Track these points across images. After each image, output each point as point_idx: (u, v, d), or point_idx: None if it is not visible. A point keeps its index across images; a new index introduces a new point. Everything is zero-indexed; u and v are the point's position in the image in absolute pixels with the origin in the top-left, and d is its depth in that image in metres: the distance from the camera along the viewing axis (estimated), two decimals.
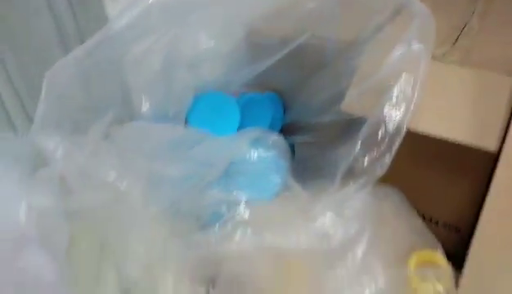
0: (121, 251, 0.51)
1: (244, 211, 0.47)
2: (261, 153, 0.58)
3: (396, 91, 0.45)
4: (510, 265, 0.45)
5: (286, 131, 0.70)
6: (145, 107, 0.58)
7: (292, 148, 0.68)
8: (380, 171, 0.43)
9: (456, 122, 0.50)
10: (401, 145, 0.46)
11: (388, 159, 0.43)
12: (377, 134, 0.45)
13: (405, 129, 0.44)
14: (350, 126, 0.54)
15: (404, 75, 0.45)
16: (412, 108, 0.45)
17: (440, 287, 0.46)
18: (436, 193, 0.58)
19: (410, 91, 0.45)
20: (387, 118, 0.44)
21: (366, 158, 0.44)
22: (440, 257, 0.48)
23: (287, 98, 0.69)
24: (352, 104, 0.53)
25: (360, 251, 0.42)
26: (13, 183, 0.36)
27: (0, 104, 0.75)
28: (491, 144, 0.49)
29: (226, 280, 0.46)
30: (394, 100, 0.45)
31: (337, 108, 0.56)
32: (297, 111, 0.68)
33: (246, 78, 0.65)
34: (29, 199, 0.36)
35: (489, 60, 0.53)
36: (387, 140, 0.44)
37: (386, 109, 0.45)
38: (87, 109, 0.49)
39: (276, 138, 0.60)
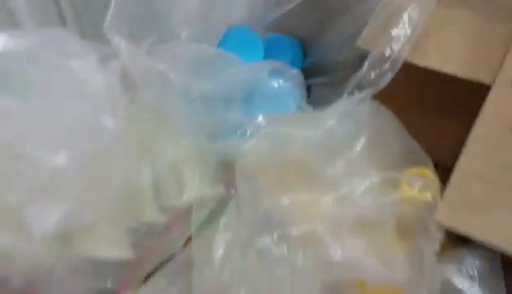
0: (155, 147, 0.60)
1: (261, 120, 0.55)
2: (279, 81, 0.65)
3: (402, 19, 0.51)
4: (492, 180, 0.52)
5: (304, 74, 0.77)
6: (184, 35, 0.67)
7: (308, 91, 0.75)
8: (383, 83, 0.50)
9: (454, 57, 0.56)
10: (400, 78, 0.53)
11: (390, 76, 0.50)
12: (383, 55, 0.51)
13: (407, 50, 0.51)
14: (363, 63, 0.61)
15: (411, 6, 0.52)
16: (415, 34, 0.51)
17: (427, 195, 0.53)
18: (433, 133, 0.64)
19: (416, 18, 0.51)
20: (393, 42, 0.51)
21: (372, 73, 0.51)
22: (430, 172, 0.54)
23: (307, 42, 0.76)
24: (367, 39, 0.60)
25: (357, 150, 0.49)
26: (93, 61, 0.45)
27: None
28: (486, 77, 0.55)
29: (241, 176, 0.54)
30: (400, 26, 0.51)
31: (353, 46, 0.63)
32: (315, 54, 0.75)
33: (271, 20, 0.73)
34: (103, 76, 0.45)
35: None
36: (391, 60, 0.51)
37: (393, 33, 0.51)
38: (142, 23, 0.58)
39: (294, 72, 0.68)
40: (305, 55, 0.79)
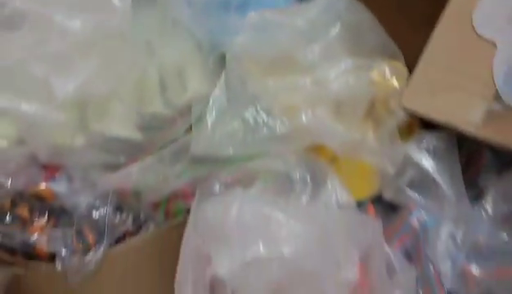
0: (160, 46, 0.68)
1: (253, 16, 0.62)
2: None
3: None
4: (452, 68, 0.59)
5: None
6: None
7: None
8: None
9: None
10: None
11: None
12: None
13: None
14: None
15: None
16: None
17: (395, 82, 0.60)
18: (406, 37, 0.69)
19: None
20: None
21: None
22: (400, 64, 0.61)
23: None
24: None
25: (334, 38, 0.57)
26: None
27: None
28: None
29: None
30: None
31: None
32: None
33: None
34: None
35: None
36: None
37: None
38: None
39: None
40: None
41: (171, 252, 0.72)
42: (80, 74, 0.53)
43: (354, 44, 0.59)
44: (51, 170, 0.69)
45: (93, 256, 0.66)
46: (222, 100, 0.57)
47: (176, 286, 0.53)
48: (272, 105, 0.56)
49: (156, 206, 0.73)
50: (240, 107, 0.56)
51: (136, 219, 0.70)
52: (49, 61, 0.52)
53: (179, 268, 0.53)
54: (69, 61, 0.52)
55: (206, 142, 0.56)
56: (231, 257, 0.48)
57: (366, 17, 0.60)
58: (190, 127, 0.69)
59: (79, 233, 0.67)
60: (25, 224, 0.65)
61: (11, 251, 0.65)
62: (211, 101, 0.58)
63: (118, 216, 0.70)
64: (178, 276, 0.53)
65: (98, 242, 0.67)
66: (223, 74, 0.60)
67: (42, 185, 0.67)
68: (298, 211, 0.52)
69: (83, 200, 0.68)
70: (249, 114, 0.55)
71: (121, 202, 0.69)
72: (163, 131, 0.69)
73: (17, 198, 0.67)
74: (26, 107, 0.56)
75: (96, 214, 0.67)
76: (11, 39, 0.54)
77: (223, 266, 0.48)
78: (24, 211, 0.66)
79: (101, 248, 0.66)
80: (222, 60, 0.69)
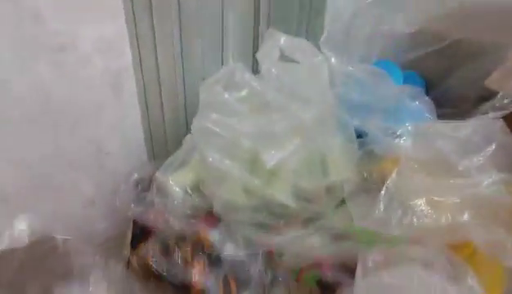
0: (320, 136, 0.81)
1: (409, 126, 0.74)
2: (417, 103, 0.84)
3: None
4: None
5: None
6: None
7: None
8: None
9: None
10: None
11: None
12: None
13: None
14: (485, 99, 0.79)
15: None
16: None
17: None
18: None
19: None
20: None
21: (505, 99, 0.69)
22: None
23: (433, 80, 0.96)
24: (495, 81, 0.78)
25: (487, 154, 0.67)
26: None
27: None
28: None
29: None
30: None
31: (476, 85, 0.82)
32: (439, 90, 0.94)
33: (408, 60, 0.96)
34: None
35: None
36: None
37: None
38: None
39: (427, 99, 0.87)
40: (428, 91, 0.98)
41: None
42: (286, 149, 0.66)
43: (504, 162, 0.68)
44: (212, 220, 0.80)
45: None
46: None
47: None
48: (427, 200, 0.65)
49: (290, 270, 0.80)
50: (406, 196, 0.65)
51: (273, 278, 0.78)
52: (263, 138, 0.66)
53: None
54: (279, 139, 0.67)
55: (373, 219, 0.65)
56: None
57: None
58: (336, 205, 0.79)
59: (225, 282, 0.76)
60: (187, 264, 0.75)
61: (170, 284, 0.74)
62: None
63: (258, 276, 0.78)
64: None
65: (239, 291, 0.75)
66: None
67: (204, 233, 0.78)
68: None
69: (234, 252, 0.77)
70: (413, 204, 0.64)
71: (266, 261, 0.78)
72: (311, 205, 0.80)
73: (181, 241, 0.78)
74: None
75: (243, 266, 0.76)
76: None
77: None
78: (186, 253, 0.76)
79: None
80: (368, 154, 0.80)
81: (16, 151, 0.76)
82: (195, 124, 0.72)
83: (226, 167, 0.70)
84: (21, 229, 0.64)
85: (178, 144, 0.86)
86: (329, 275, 0.79)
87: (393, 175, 0.69)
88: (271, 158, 0.66)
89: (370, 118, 0.85)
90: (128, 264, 0.78)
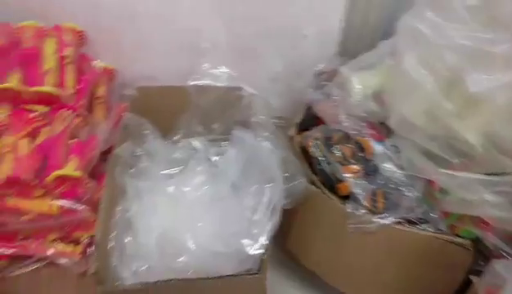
0: None
1: None
2: None
3: None
4: None
5: None
6: None
7: None
8: None
9: None
10: None
11: None
12: None
13: None
14: None
15: None
16: None
17: None
18: None
19: None
20: None
21: None
22: None
23: None
24: None
25: None
26: None
27: None
28: None
29: None
30: None
31: None
32: None
33: None
34: None
35: None
36: None
37: None
38: None
39: None
40: None
41: (430, 260, 0.73)
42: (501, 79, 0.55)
43: None
44: (382, 131, 0.77)
45: (377, 221, 0.71)
46: None
47: None
48: None
49: (446, 214, 0.73)
50: None
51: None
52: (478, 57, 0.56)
53: None
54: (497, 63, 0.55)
55: None
56: None
57: None
58: None
59: (374, 195, 0.74)
60: (343, 161, 0.75)
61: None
62: None
63: (411, 201, 0.73)
64: None
65: (386, 211, 0.73)
66: None
67: (370, 141, 0.75)
68: None
69: (392, 172, 0.73)
70: None
71: (424, 191, 0.72)
72: (503, 158, 0.67)
73: (345, 139, 0.78)
74: None
75: (397, 187, 0.72)
76: None
77: None
78: (347, 151, 0.76)
79: (387, 219, 0.71)
80: None
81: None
82: (404, 21, 0.64)
83: (418, 77, 0.62)
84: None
85: (372, 46, 0.81)
86: (490, 240, 0.69)
87: None
88: (478, 83, 0.55)
89: None
90: (290, 143, 0.82)
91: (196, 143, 0.73)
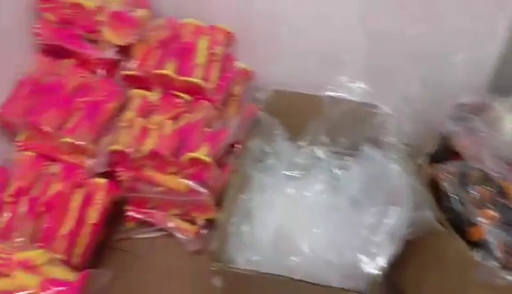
0: None
1: None
2: None
3: None
4: None
5: None
6: None
7: None
8: None
9: None
10: None
11: None
12: None
13: None
14: None
15: None
16: None
17: None
18: None
19: None
20: None
21: None
22: None
23: None
24: None
25: None
26: None
27: None
28: None
29: None
30: None
31: None
32: None
33: None
34: None
35: None
36: None
37: None
38: None
39: None
40: None
41: None
42: None
43: None
44: None
45: (509, 278, 0.62)
46: None
47: None
48: None
49: None
50: None
51: None
52: None
53: None
54: None
55: None
56: None
57: None
58: None
59: (509, 247, 0.65)
60: (479, 203, 0.68)
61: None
62: None
63: None
64: None
65: None
66: None
67: None
68: None
69: None
70: None
71: None
72: None
73: (484, 180, 0.70)
74: None
75: None
76: None
77: None
78: (485, 194, 0.68)
79: None
80: None
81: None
82: None
83: None
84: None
85: None
86: None
87: None
88: None
89: None
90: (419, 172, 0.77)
91: (320, 152, 0.73)
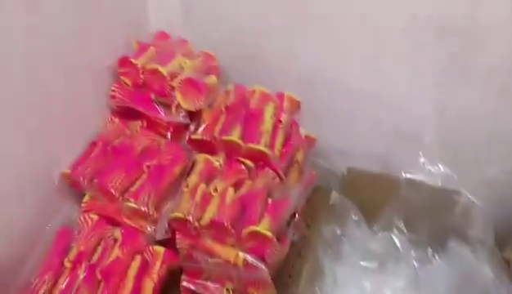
0: None
1: None
2: None
3: None
4: None
5: None
6: None
7: None
8: None
9: None
10: None
11: None
12: None
13: None
14: None
15: None
16: None
17: None
18: None
19: None
20: None
21: None
22: None
23: None
24: None
25: None
26: None
27: None
28: None
29: None
30: None
31: None
32: None
33: None
34: None
35: None
36: None
37: None
38: None
39: None
40: None
41: None
42: None
43: None
44: None
45: None
46: None
47: None
48: None
49: None
50: None
51: None
52: None
53: None
54: None
55: None
56: None
57: None
58: None
59: None
60: None
61: None
62: None
63: None
64: None
65: None
66: None
67: None
68: None
69: None
70: None
71: None
72: None
73: None
74: None
75: None
76: None
77: None
78: None
79: None
80: None
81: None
82: None
83: None
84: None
85: None
86: None
87: None
88: None
89: None
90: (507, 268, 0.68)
91: (396, 240, 0.67)
